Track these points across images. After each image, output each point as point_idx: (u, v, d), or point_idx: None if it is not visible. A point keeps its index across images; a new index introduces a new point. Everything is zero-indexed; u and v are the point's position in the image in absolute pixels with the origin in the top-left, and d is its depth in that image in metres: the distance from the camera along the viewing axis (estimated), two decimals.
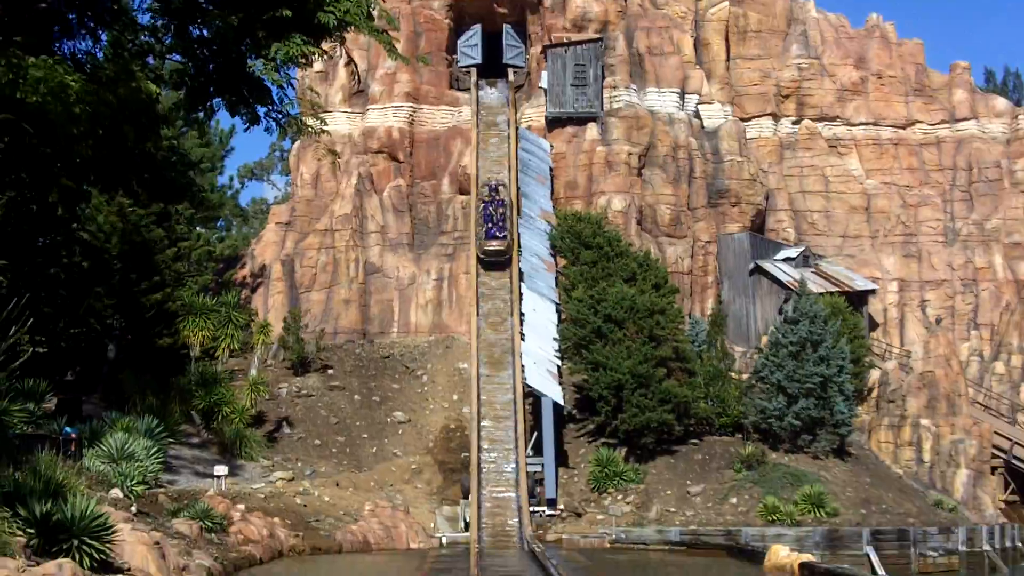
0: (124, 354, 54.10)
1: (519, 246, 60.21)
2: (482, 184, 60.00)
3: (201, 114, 32.13)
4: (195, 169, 56.04)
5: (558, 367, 56.96)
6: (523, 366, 54.56)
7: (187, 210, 59.77)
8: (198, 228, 69.16)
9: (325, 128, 34.62)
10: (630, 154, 66.85)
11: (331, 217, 66.79)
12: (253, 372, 57.31)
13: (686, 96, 70.42)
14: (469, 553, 39.31)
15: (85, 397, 49.19)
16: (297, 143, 70.20)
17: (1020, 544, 53.45)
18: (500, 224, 57.53)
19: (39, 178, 33.82)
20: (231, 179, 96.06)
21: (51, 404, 44.22)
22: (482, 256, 59.39)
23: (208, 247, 67.46)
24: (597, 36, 69.44)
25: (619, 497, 51.86)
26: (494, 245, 59.21)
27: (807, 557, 36.32)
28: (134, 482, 35.50)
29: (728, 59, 72.85)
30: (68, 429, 38.72)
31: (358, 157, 68.27)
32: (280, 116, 31.28)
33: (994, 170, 72.25)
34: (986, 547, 49.57)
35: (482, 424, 52.96)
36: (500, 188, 58.03)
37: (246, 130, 41.53)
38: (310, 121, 33.41)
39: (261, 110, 30.87)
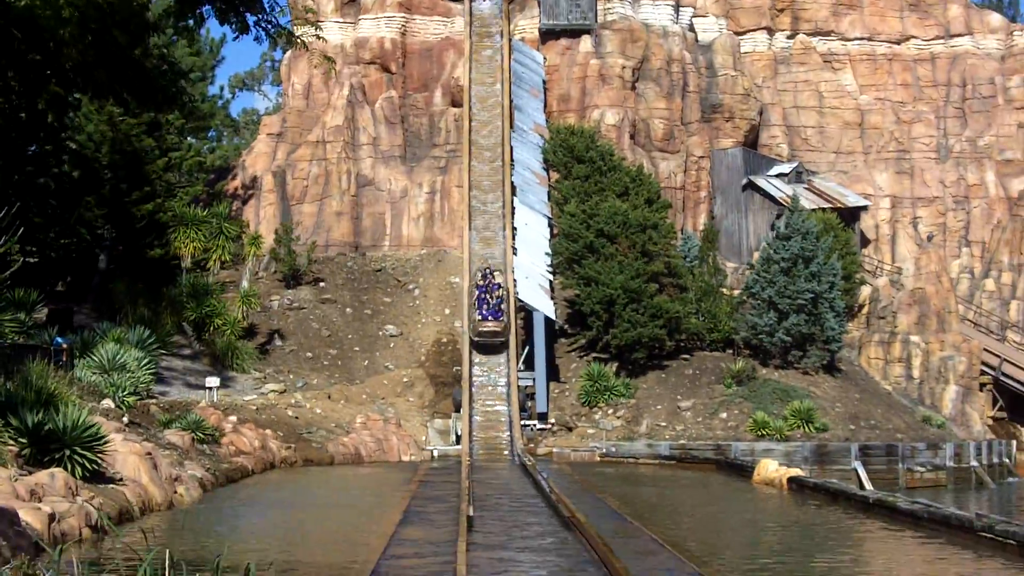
0: (115, 264, 54.03)
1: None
2: (475, 270, 54.99)
3: (191, 22, 31.76)
4: (185, 78, 55.47)
5: (550, 282, 56.90)
6: (515, 280, 54.49)
7: (178, 120, 59.31)
8: (189, 138, 68.75)
9: (319, 34, 34.26)
10: (624, 67, 66.45)
11: (323, 128, 66.43)
12: (244, 284, 57.21)
13: (680, 9, 69.91)
14: (460, 466, 39.42)
15: (76, 307, 49.17)
16: (289, 53, 69.60)
17: (1007, 460, 53.79)
18: (497, 308, 52.44)
19: (28, 84, 33.54)
20: (222, 89, 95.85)
21: (42, 314, 44.22)
22: (475, 338, 52.26)
23: (199, 158, 67.10)
24: None
25: (610, 412, 52.01)
26: (490, 326, 52.25)
27: (796, 472, 36.49)
28: (126, 393, 35.55)
29: None
30: (59, 339, 38.70)
31: (350, 68, 67.76)
32: (270, 25, 30.90)
33: (988, 87, 71.89)
34: (973, 463, 49.85)
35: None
36: (495, 274, 53.76)
37: (236, 39, 41.20)
38: (302, 30, 33.05)
39: (251, 19, 30.47)
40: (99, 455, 24.61)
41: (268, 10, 30.46)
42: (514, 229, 58.07)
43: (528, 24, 69.17)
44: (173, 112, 51.08)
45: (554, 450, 47.99)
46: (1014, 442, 57.20)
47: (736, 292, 58.32)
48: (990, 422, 60.08)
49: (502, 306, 51.69)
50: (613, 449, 48.19)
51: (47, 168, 51.53)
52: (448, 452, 47.32)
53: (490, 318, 52.09)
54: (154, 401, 39.23)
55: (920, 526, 23.99)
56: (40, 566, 10.56)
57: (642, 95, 67.09)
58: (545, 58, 67.92)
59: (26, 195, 46.74)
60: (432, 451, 47.99)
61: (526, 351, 52.86)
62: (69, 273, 54.75)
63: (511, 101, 63.97)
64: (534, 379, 51.52)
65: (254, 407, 45.58)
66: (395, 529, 22.88)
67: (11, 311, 34.71)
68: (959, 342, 59.03)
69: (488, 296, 51.51)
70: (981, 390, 59.80)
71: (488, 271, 52.88)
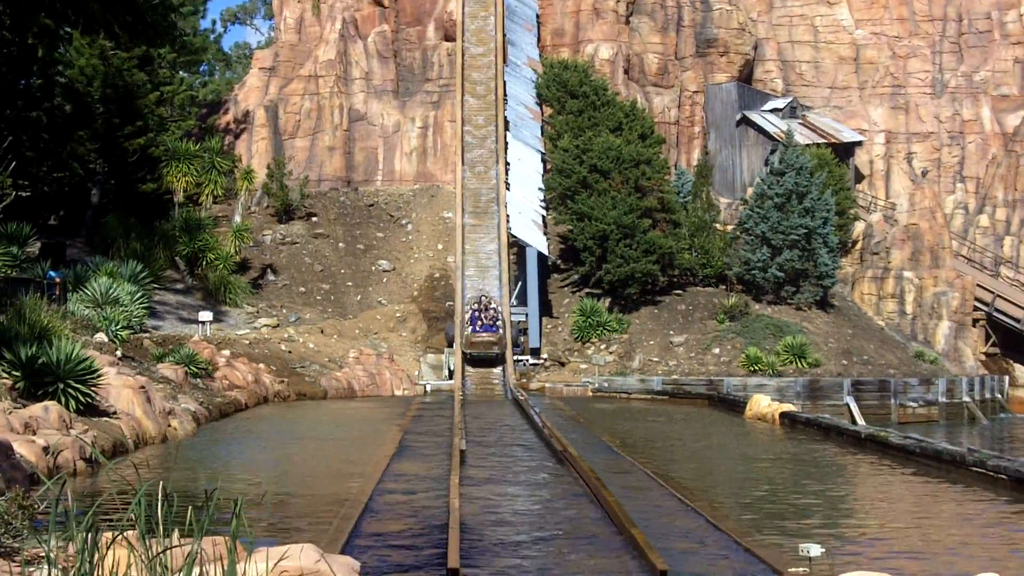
0: (107, 199, 53.90)
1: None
2: (469, 299, 51.76)
3: None
4: (177, 12, 55.26)
5: (543, 217, 56.85)
6: (508, 216, 54.43)
7: (169, 54, 59.04)
8: (180, 73, 68.41)
9: None
10: (618, 1, 66.10)
11: (315, 63, 66.12)
12: (237, 219, 57.13)
13: None
14: (453, 401, 39.50)
15: (69, 241, 49.09)
16: None
17: (999, 395, 53.97)
18: (491, 324, 49.64)
19: (18, 17, 33.32)
20: (213, 23, 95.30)
21: (35, 248, 44.13)
22: (468, 351, 49.09)
23: (191, 92, 66.82)
24: None
25: (602, 347, 52.10)
26: (484, 337, 49.15)
27: (788, 407, 36.56)
28: (119, 327, 35.54)
29: None
30: (52, 273, 38.64)
31: (342, 2, 67.37)
32: None
33: (984, 21, 71.61)
34: (966, 398, 50.03)
35: (466, 273, 52.97)
36: (491, 301, 50.93)
37: None
38: None
39: None
40: (93, 388, 24.64)
41: None
42: (507, 164, 57.93)
43: None
44: (164, 46, 50.83)
45: (547, 385, 48.10)
46: (1006, 378, 57.39)
47: (729, 228, 58.32)
48: (983, 358, 60.25)
49: (497, 323, 49.80)
50: (606, 384, 48.30)
51: (39, 102, 51.27)
52: (441, 387, 47.43)
53: (483, 332, 49.37)
54: (147, 335, 39.24)
55: (912, 461, 24.08)
56: (35, 498, 10.59)
57: (636, 29, 66.78)
58: None
59: (18, 129, 46.56)
60: (425, 386, 48.11)
61: (519, 287, 52.89)
62: (62, 207, 54.64)
63: (504, 35, 63.68)
64: (527, 314, 51.58)
65: (247, 341, 45.61)
66: (388, 463, 22.95)
67: (4, 245, 34.72)
68: (952, 278, 59.10)
69: (482, 316, 49.85)
70: (974, 326, 59.93)
71: (484, 298, 50.86)
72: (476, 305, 50.48)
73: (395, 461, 23.51)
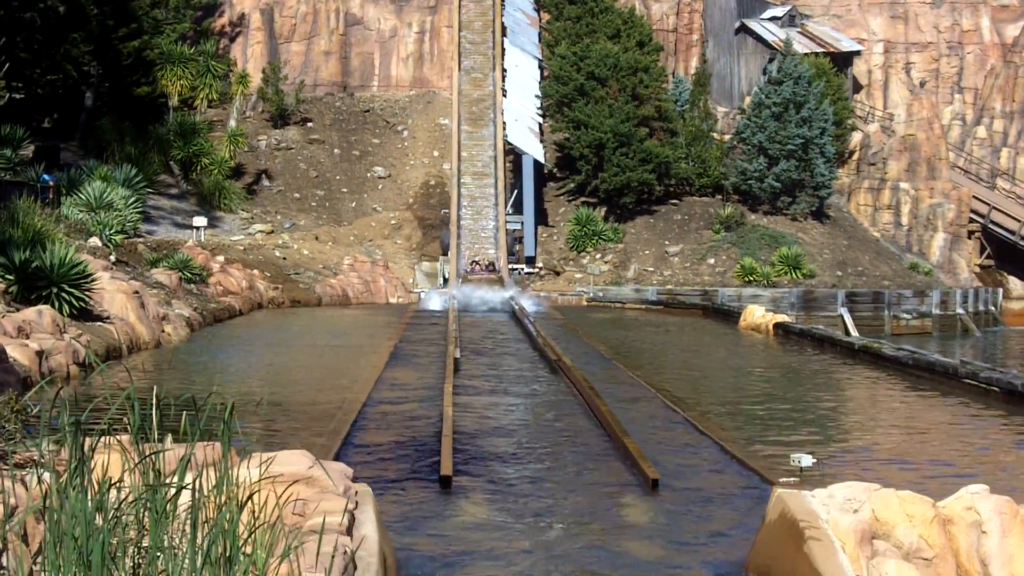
0: (102, 102, 53.58)
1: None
2: (467, 255, 49.82)
3: None
4: None
5: (540, 125, 56.60)
6: (504, 123, 54.20)
7: None
8: None
9: None
10: None
11: None
12: (232, 123, 56.85)
13: None
14: (447, 308, 39.54)
15: (63, 145, 48.85)
16: None
17: (993, 308, 54.04)
18: (489, 267, 48.52)
19: None
20: None
21: (28, 151, 43.92)
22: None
23: None
24: None
25: (597, 256, 52.08)
26: (482, 275, 47.59)
27: (782, 318, 36.62)
28: (113, 231, 35.47)
29: None
30: (46, 177, 38.50)
31: None
32: None
33: None
34: (959, 310, 50.12)
35: (462, 181, 52.82)
36: (494, 264, 49.27)
37: None
38: None
39: None
40: (86, 293, 24.62)
41: None
42: (504, 71, 57.59)
43: None
44: None
45: (542, 294, 48.10)
46: (1000, 290, 57.46)
47: (726, 137, 58.12)
48: (977, 270, 60.30)
49: (496, 265, 49.10)
50: (600, 293, 48.33)
51: (33, 3, 50.78)
52: (435, 295, 47.40)
53: (484, 273, 48.04)
54: (141, 240, 39.19)
55: (904, 373, 24.13)
56: (27, 401, 10.59)
57: None
58: None
59: (12, 30, 46.14)
60: (420, 293, 48.07)
61: (514, 195, 52.77)
62: (55, 110, 54.29)
63: None
64: (522, 223, 51.50)
65: (241, 247, 45.56)
66: (382, 371, 22.99)
67: None
68: (949, 189, 59.01)
69: (480, 264, 49.21)
70: (969, 238, 59.94)
71: (483, 258, 49.92)
72: (476, 258, 49.66)
73: (389, 369, 23.55)
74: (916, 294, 49.47)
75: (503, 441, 16.36)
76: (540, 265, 51.47)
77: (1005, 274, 62.19)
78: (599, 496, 13.33)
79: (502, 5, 60.44)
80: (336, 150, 59.00)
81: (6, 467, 7.87)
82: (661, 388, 21.17)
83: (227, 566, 5.89)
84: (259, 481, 7.12)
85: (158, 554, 5.85)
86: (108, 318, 25.44)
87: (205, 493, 6.28)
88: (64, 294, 23.70)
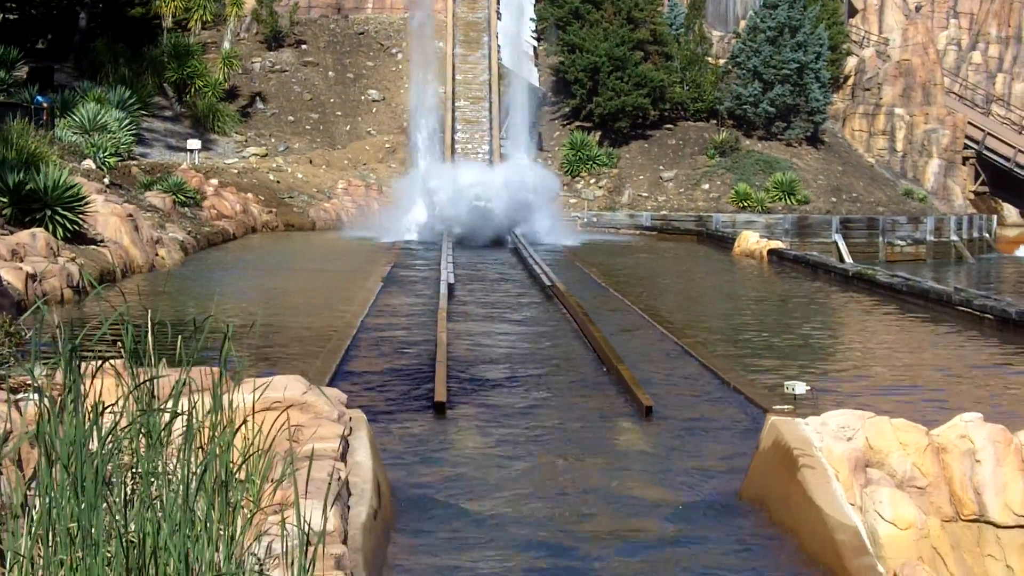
0: (96, 23, 53.16)
1: None
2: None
3: None
4: None
5: (534, 48, 56.28)
6: (499, 46, 53.88)
7: None
8: None
9: None
10: None
11: None
12: (226, 45, 56.47)
13: None
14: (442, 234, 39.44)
15: (57, 66, 48.53)
16: None
17: (987, 235, 54.02)
18: None
19: None
20: None
21: (22, 72, 43.65)
22: None
23: None
24: None
25: (592, 181, 51.96)
26: None
27: (776, 244, 36.60)
28: (107, 154, 35.33)
29: None
30: (40, 98, 38.28)
31: None
32: None
33: None
34: (953, 237, 50.09)
35: (457, 104, 52.58)
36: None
37: None
38: None
39: None
40: (80, 216, 24.54)
41: None
42: None
43: None
44: None
45: None
46: (995, 217, 57.43)
47: (721, 61, 57.83)
48: (972, 196, 60.26)
49: None
50: (595, 219, 48.27)
51: None
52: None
53: None
54: (135, 162, 39.03)
55: (899, 299, 24.15)
56: (21, 324, 10.55)
57: None
58: None
59: None
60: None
61: (508, 119, 52.52)
62: (49, 31, 53.87)
63: None
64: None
65: (235, 171, 45.41)
66: (376, 295, 22.97)
67: None
68: (943, 115, 58.82)
69: None
70: (964, 164, 59.83)
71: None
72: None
73: (383, 294, 23.53)
74: (910, 221, 49.42)
75: (497, 367, 16.37)
76: None
77: (999, 201, 62.15)
78: (593, 423, 13.35)
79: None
80: (330, 73, 58.66)
81: (1, 391, 7.84)
82: (655, 314, 21.17)
83: (221, 492, 5.88)
84: (253, 407, 7.10)
85: (152, 479, 5.83)
86: (102, 241, 25.37)
87: (199, 418, 6.26)
88: (58, 217, 23.62)
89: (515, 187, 40.46)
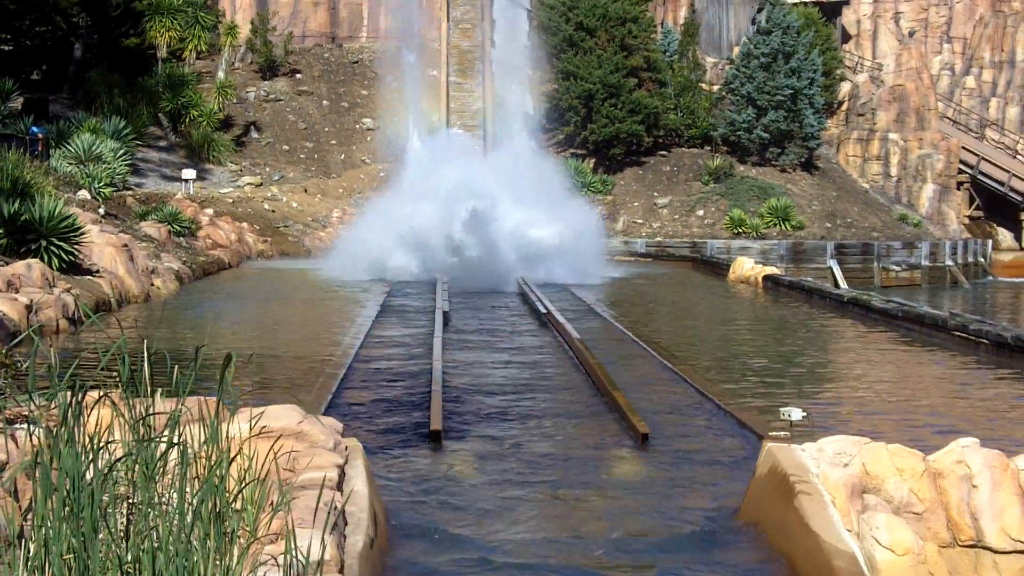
0: (91, 54, 53.30)
1: None
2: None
3: None
4: None
5: (528, 76, 56.38)
6: (493, 74, 53.99)
7: None
8: None
9: None
10: None
11: None
12: (221, 75, 56.58)
13: None
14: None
15: (52, 96, 48.61)
16: None
17: (982, 259, 54.08)
18: None
19: None
20: None
21: (17, 103, 43.73)
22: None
23: None
24: None
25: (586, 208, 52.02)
26: None
27: (771, 270, 36.64)
28: (102, 184, 35.38)
29: None
30: (35, 129, 38.33)
31: None
32: None
33: None
34: (948, 262, 50.13)
35: (452, 132, 52.64)
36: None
37: None
38: None
39: None
40: (75, 246, 24.54)
41: None
42: (493, 21, 57.30)
43: None
44: None
45: None
46: (989, 241, 57.50)
47: (715, 88, 57.98)
48: (966, 221, 60.35)
49: None
50: None
51: None
52: None
53: None
54: (130, 192, 39.08)
55: (894, 325, 24.16)
56: (17, 355, 10.56)
57: None
58: None
59: None
60: None
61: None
62: (44, 62, 54.01)
63: None
64: None
65: (230, 200, 45.44)
66: (372, 324, 22.97)
67: None
68: (938, 140, 58.95)
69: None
70: (958, 189, 59.94)
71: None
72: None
73: (379, 323, 23.53)
74: (905, 246, 49.48)
75: (493, 396, 16.35)
76: None
77: (994, 225, 62.21)
78: (589, 451, 13.34)
79: None
80: (325, 101, 58.78)
81: None
82: (651, 340, 21.16)
83: (218, 521, 5.88)
84: (249, 436, 7.11)
85: (148, 510, 5.84)
86: (97, 271, 25.37)
87: (195, 448, 6.26)
88: (53, 247, 23.61)
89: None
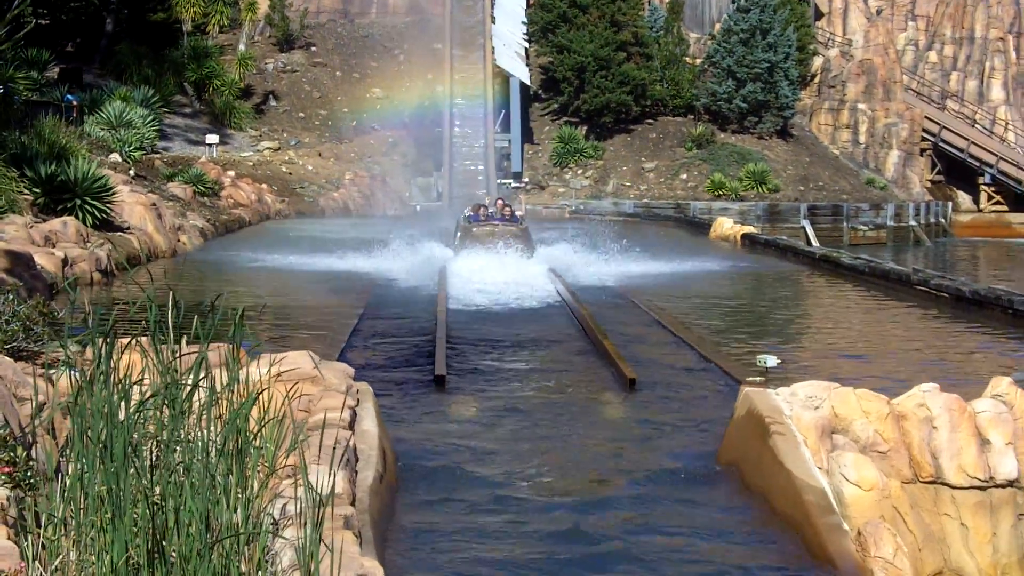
0: (120, 28, 52.99)
1: None
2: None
3: None
4: None
5: (526, 49, 56.15)
6: (493, 48, 53.77)
7: None
8: None
9: None
10: None
11: None
12: (241, 47, 56.31)
13: None
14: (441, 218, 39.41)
15: (85, 67, 48.37)
16: None
17: (943, 220, 54.05)
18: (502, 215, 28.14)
19: None
20: None
21: (53, 73, 43.50)
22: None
23: None
24: None
25: (579, 172, 51.91)
26: (495, 227, 27.30)
27: (749, 229, 36.61)
28: (132, 148, 35.23)
29: None
30: (70, 97, 38.12)
31: None
32: None
33: None
34: (912, 222, 50.09)
35: (454, 101, 52.47)
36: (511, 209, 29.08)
37: None
38: None
39: None
40: (108, 205, 24.47)
41: None
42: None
43: None
44: None
45: (527, 207, 47.90)
46: (949, 204, 57.40)
47: (698, 61, 57.71)
48: (928, 185, 60.24)
49: (515, 212, 28.76)
50: (581, 207, 48.23)
51: None
52: (430, 207, 47.17)
53: (496, 221, 27.67)
54: (158, 156, 38.93)
55: (862, 280, 24.16)
56: (54, 305, 10.54)
57: None
58: None
59: None
60: (415, 206, 47.85)
61: (502, 114, 52.42)
62: (78, 35, 53.69)
63: None
64: (509, 140, 51.19)
65: (251, 163, 45.31)
66: (383, 274, 22.97)
67: (25, 70, 34.14)
68: (902, 110, 58.78)
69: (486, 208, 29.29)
70: (921, 155, 59.79)
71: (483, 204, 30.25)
72: (484, 202, 31.17)
73: (387, 277, 23.50)
74: (872, 207, 49.41)
75: (493, 342, 16.35)
76: (526, 180, 51.24)
77: (954, 189, 62.08)
78: (581, 394, 13.35)
79: None
80: (338, 72, 58.53)
81: (37, 366, 7.83)
82: (637, 293, 21.17)
83: (239, 458, 5.88)
84: (268, 379, 7.10)
85: (175, 447, 5.83)
86: (128, 228, 25.32)
87: (218, 391, 6.26)
88: (87, 206, 23.54)
89: None
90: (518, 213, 28.07)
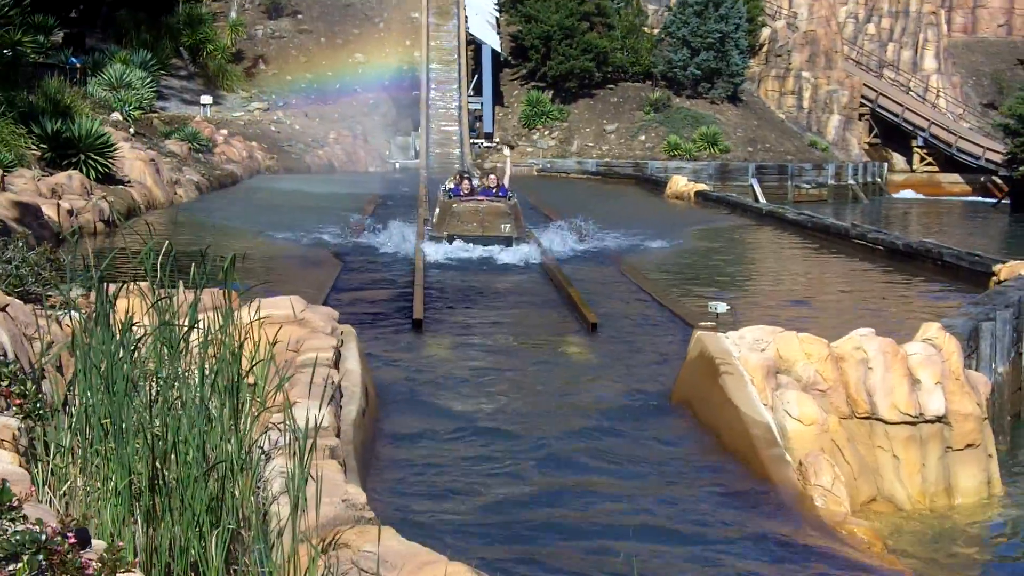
0: None
1: None
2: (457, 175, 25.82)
3: None
4: None
5: (497, 19, 55.85)
6: (467, 17, 53.45)
7: None
8: None
9: None
10: None
11: None
12: (233, 14, 55.78)
13: None
14: (419, 176, 39.32)
15: (88, 31, 47.87)
16: None
17: (879, 179, 54.26)
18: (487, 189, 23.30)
19: None
20: None
21: (58, 37, 43.04)
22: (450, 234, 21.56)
23: None
24: None
25: (546, 133, 51.76)
26: (480, 203, 21.96)
27: (702, 186, 36.62)
28: (131, 107, 34.92)
29: None
30: (73, 59, 37.72)
31: None
32: None
33: None
34: (851, 181, 50.25)
35: (431, 67, 52.19)
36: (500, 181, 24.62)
37: None
38: None
39: None
40: (110, 160, 24.31)
41: None
42: None
43: None
44: None
45: (498, 165, 47.79)
46: (886, 164, 57.62)
47: (656, 31, 57.50)
48: (866, 147, 60.39)
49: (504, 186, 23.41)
50: (548, 165, 48.16)
51: None
52: (408, 165, 47.07)
53: (482, 196, 22.48)
54: (155, 115, 38.61)
55: (805, 233, 24.23)
56: (60, 252, 10.47)
57: None
58: None
59: None
60: (395, 163, 47.74)
61: (475, 79, 52.21)
62: (81, 2, 53.09)
63: None
64: (482, 103, 51.03)
65: (242, 122, 45.00)
66: (362, 230, 22.88)
67: (32, 34, 33.71)
68: (843, 78, 58.82)
69: (470, 183, 23.75)
70: (860, 119, 59.92)
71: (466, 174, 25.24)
72: (467, 172, 26.23)
73: (368, 230, 23.41)
74: (814, 167, 49.48)
75: (464, 290, 16.35)
76: (497, 140, 51.09)
77: (889, 151, 62.21)
78: (548, 336, 13.37)
79: None
80: (322, 39, 58.06)
81: (43, 308, 7.79)
82: (609, 253, 21.16)
83: (232, 393, 5.87)
84: (258, 321, 7.07)
85: (172, 383, 5.82)
86: (128, 182, 25.16)
87: (212, 331, 6.23)
88: (91, 161, 23.38)
89: None
90: (505, 182, 23.31)
